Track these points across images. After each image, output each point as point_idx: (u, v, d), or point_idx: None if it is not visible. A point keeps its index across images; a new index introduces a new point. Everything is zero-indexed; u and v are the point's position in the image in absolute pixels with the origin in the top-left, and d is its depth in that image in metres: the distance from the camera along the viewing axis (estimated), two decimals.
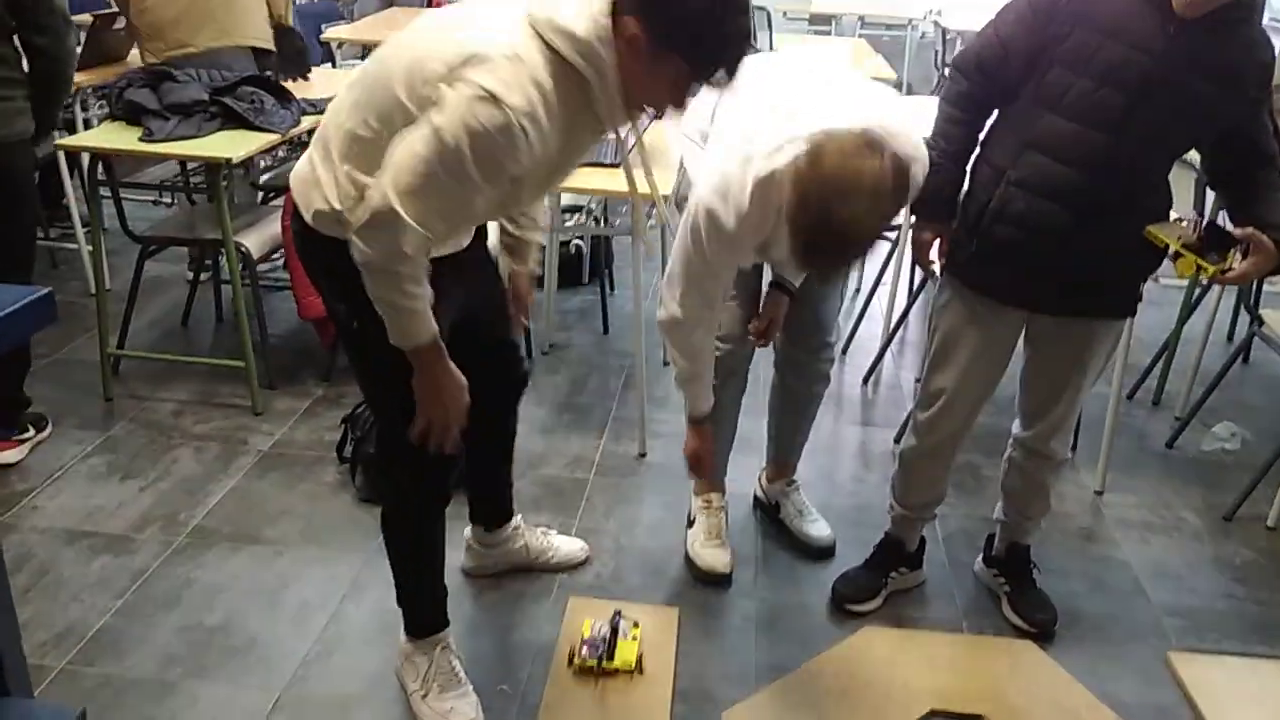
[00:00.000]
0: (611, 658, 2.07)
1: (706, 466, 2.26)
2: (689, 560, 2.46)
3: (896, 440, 3.07)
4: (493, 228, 2.06)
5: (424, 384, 1.68)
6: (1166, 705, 2.09)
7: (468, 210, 1.57)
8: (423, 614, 2.03)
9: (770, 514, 2.65)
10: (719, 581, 2.41)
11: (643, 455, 2.95)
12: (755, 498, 2.71)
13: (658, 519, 2.65)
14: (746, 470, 2.70)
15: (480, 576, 2.38)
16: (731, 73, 1.51)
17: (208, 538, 2.47)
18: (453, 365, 1.70)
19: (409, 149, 1.48)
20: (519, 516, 2.39)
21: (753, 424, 2.57)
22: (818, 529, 2.55)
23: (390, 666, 2.08)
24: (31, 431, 2.81)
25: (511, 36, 1.48)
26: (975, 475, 2.89)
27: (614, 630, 2.11)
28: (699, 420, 2.16)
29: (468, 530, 2.37)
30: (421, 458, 1.82)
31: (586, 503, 2.71)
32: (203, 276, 3.69)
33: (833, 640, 2.23)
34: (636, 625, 2.14)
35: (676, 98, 1.56)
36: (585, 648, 2.08)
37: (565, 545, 2.45)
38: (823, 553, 2.52)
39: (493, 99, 1.43)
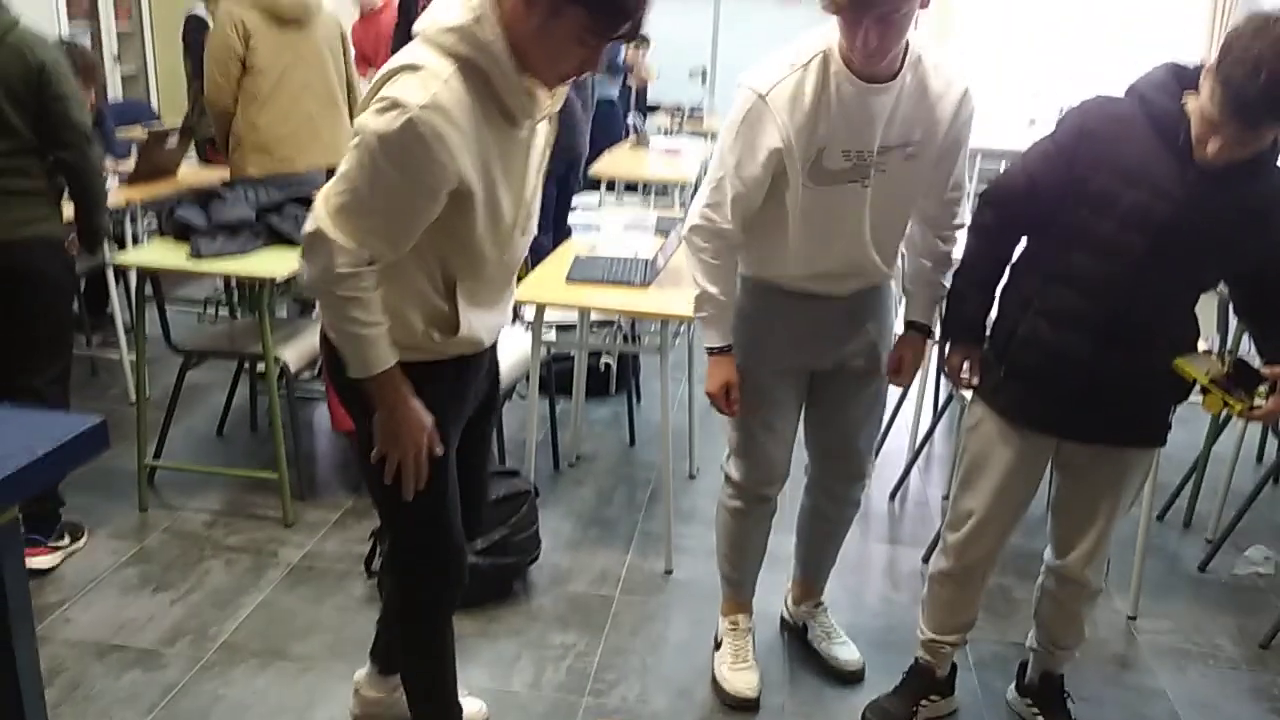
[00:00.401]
0: None
1: (734, 397, 2.20)
2: (716, 684, 2.44)
3: (925, 559, 3.05)
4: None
5: (382, 419, 1.68)
6: None
7: (404, 225, 1.57)
8: None
9: (798, 636, 2.63)
10: (747, 706, 2.38)
11: (669, 572, 2.95)
12: (782, 619, 2.69)
13: (685, 639, 2.63)
14: (773, 589, 2.69)
15: None
16: (638, 24, 1.52)
17: (236, 653, 2.48)
18: (416, 402, 1.68)
19: (336, 175, 1.55)
20: None
21: (779, 540, 2.57)
22: (846, 652, 2.53)
23: None
24: (67, 540, 2.86)
25: (409, 55, 1.54)
26: (1007, 598, 2.87)
27: None
28: (718, 350, 2.17)
29: (359, 672, 2.23)
30: (430, 568, 1.84)
31: (613, 621, 2.70)
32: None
33: None
34: None
35: (588, 56, 1.55)
36: None
37: (462, 703, 2.18)
38: (851, 677, 2.49)
39: (393, 104, 1.49)
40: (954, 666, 2.38)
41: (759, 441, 2.26)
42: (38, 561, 2.78)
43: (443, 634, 1.95)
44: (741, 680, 2.40)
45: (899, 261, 2.27)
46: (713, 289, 2.13)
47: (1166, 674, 2.59)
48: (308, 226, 1.56)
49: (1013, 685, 2.43)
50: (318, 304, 1.62)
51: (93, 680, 2.36)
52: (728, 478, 2.38)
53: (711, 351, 2.18)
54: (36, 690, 1.66)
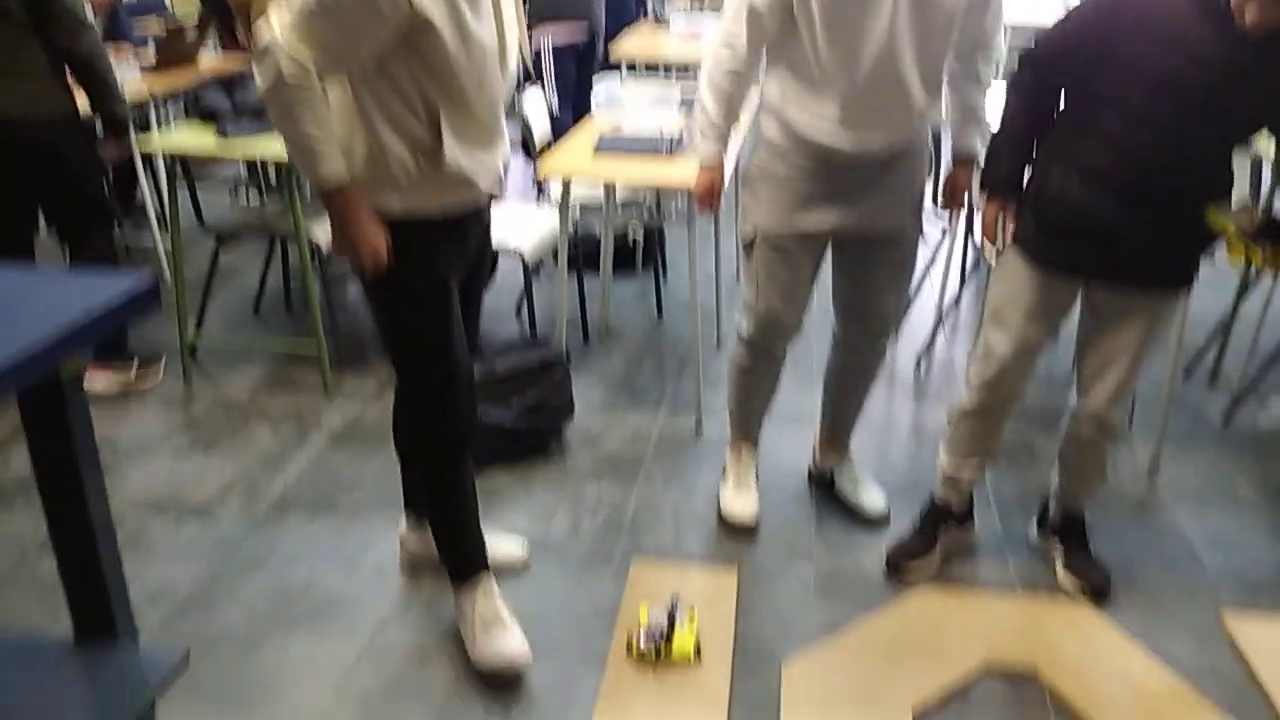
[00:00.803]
0: (669, 642, 2.08)
1: (718, 196, 2.36)
2: (719, 511, 2.59)
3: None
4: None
5: (334, 229, 1.78)
6: (1220, 665, 2.12)
7: (350, 43, 1.63)
8: (458, 558, 2.10)
9: (825, 487, 2.71)
10: (745, 529, 2.54)
11: (698, 432, 3.03)
12: (809, 471, 2.78)
13: (714, 490, 2.72)
14: (800, 444, 2.77)
15: (420, 571, 2.36)
16: None
17: (287, 508, 2.60)
18: (366, 215, 1.76)
19: None
20: None
21: (806, 397, 2.65)
22: (872, 499, 2.61)
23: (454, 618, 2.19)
24: (134, 364, 3.11)
25: None
26: (1029, 450, 2.93)
27: (671, 620, 2.12)
28: (708, 167, 2.33)
29: (401, 524, 2.37)
30: (436, 401, 1.93)
31: (644, 475, 2.80)
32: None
33: (888, 602, 2.29)
34: (693, 612, 2.17)
35: None
36: (643, 637, 2.10)
37: (502, 544, 2.40)
38: (876, 521, 2.59)
39: None
40: (971, 501, 2.46)
41: (769, 299, 2.33)
42: (94, 381, 2.99)
43: (459, 475, 2.02)
44: (739, 504, 2.56)
45: (936, 115, 2.27)
46: (714, 110, 2.24)
47: (1186, 516, 2.65)
48: (259, 40, 1.64)
49: (1034, 523, 2.51)
50: (270, 114, 1.70)
51: (152, 532, 2.49)
52: (738, 330, 2.46)
53: (702, 165, 2.31)
54: (109, 534, 1.76)
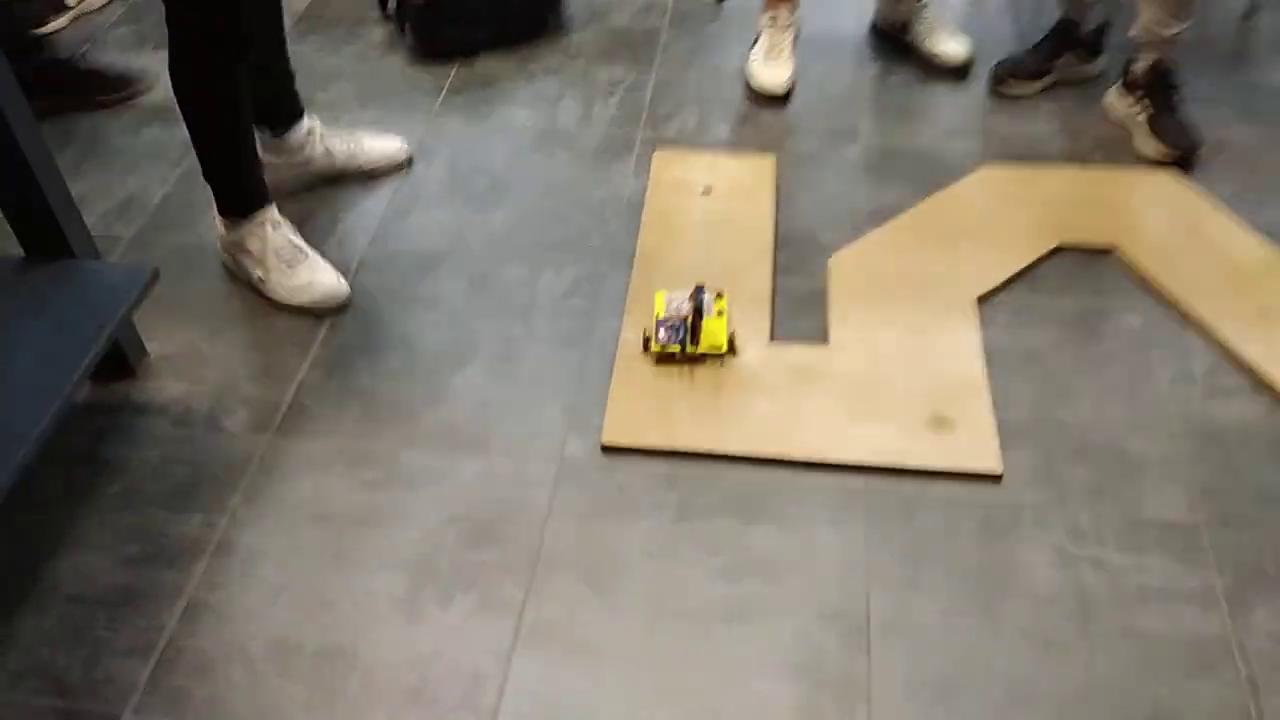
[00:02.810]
0: (696, 342, 1.64)
1: None
2: (745, 81, 2.30)
3: None
4: None
5: None
6: None
7: None
8: (235, 188, 1.80)
9: (896, 37, 2.39)
10: (775, 100, 2.25)
11: (720, 1, 2.62)
12: (874, 25, 2.44)
13: (741, 68, 2.37)
14: (842, 10, 2.40)
15: (283, 195, 1.94)
16: None
17: None
18: None
19: None
20: (314, 119, 2.02)
21: None
22: (953, 46, 2.30)
23: (462, 221, 1.96)
24: None
25: None
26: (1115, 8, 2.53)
27: (697, 309, 1.63)
28: None
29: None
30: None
31: (663, 53, 2.44)
32: None
33: (946, 182, 2.03)
34: (722, 297, 1.70)
35: None
36: (662, 331, 1.65)
37: (378, 145, 2.09)
38: (958, 72, 2.30)
39: None
40: (1102, 35, 2.23)
41: None
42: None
43: (226, 86, 1.67)
44: (770, 75, 2.26)
45: None
46: None
47: None
48: None
49: (1115, 86, 2.18)
50: None
51: (111, 137, 2.20)
52: None
53: None
54: (34, 134, 1.48)
